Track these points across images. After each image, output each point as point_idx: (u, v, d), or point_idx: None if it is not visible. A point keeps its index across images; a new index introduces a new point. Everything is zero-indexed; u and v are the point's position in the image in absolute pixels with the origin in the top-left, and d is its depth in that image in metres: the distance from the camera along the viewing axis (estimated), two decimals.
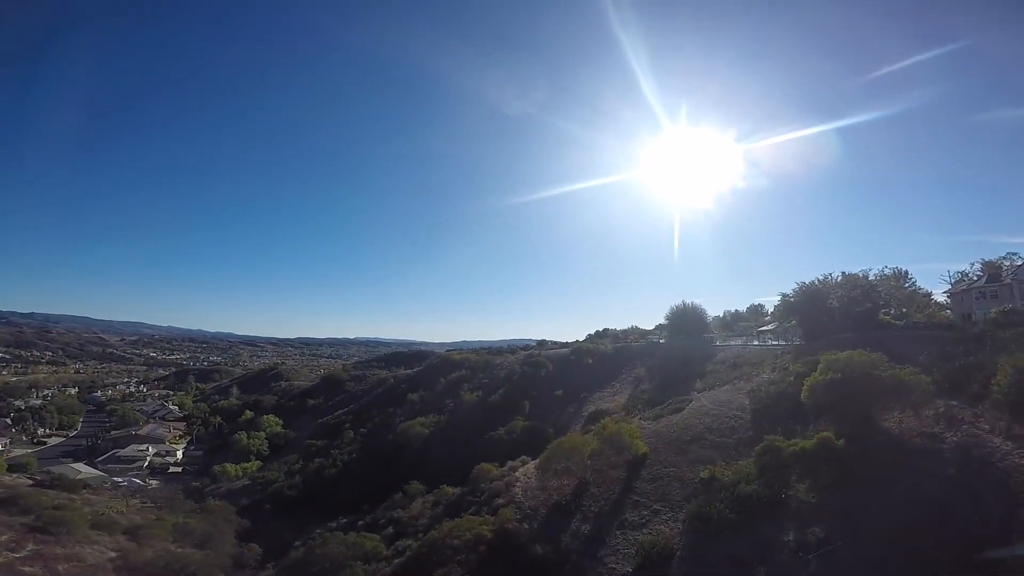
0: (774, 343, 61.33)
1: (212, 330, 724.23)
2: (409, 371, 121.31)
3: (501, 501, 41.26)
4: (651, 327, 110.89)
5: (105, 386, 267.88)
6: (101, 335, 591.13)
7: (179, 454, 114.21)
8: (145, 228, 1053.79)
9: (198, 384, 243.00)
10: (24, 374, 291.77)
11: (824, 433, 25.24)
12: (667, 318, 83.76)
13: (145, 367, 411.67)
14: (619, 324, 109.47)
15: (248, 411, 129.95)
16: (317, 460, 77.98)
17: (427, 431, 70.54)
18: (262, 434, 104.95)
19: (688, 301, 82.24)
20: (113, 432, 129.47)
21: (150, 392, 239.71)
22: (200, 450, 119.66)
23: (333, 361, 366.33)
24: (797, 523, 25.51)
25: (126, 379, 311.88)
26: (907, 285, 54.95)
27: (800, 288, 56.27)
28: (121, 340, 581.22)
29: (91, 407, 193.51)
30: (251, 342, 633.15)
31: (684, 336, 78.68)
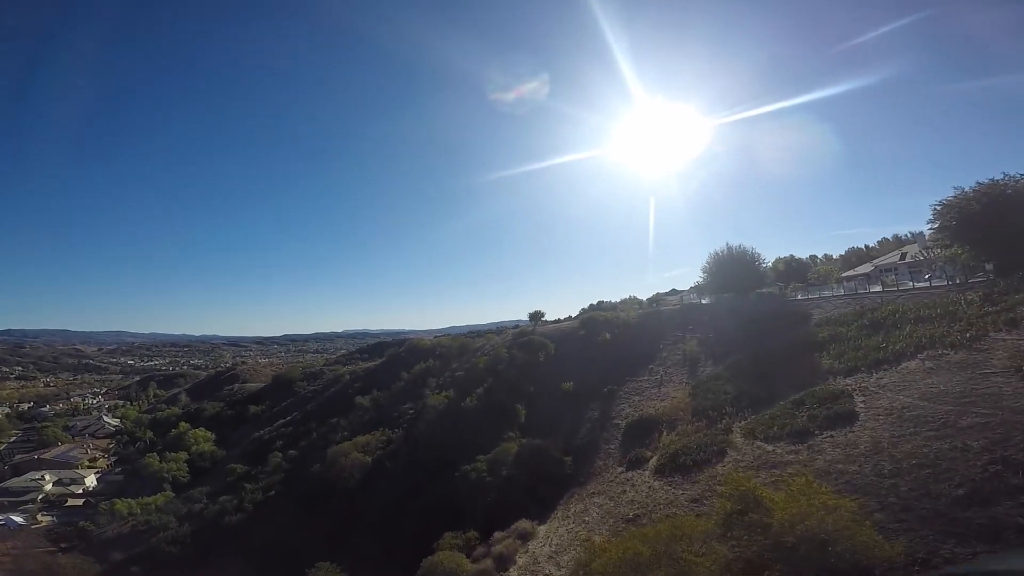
0: (920, 285, 37.77)
1: (197, 333, 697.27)
2: (369, 364, 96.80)
3: None
4: (645, 298, 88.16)
5: (60, 399, 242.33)
6: (78, 346, 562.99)
7: (89, 481, 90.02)
8: (122, 236, 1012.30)
9: (158, 391, 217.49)
10: None
11: None
12: (706, 271, 60.34)
13: (121, 375, 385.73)
14: (611, 298, 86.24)
15: (183, 423, 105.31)
16: (223, 499, 54.18)
17: (370, 460, 46.23)
18: (182, 455, 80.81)
19: (735, 244, 59.11)
20: (17, 457, 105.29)
21: (107, 403, 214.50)
22: (122, 474, 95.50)
23: (317, 356, 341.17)
24: None
25: (96, 390, 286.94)
26: None
27: (980, 192, 32.64)
28: (99, 350, 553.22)
29: (34, 424, 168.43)
30: (236, 343, 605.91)
31: (735, 292, 56.45)
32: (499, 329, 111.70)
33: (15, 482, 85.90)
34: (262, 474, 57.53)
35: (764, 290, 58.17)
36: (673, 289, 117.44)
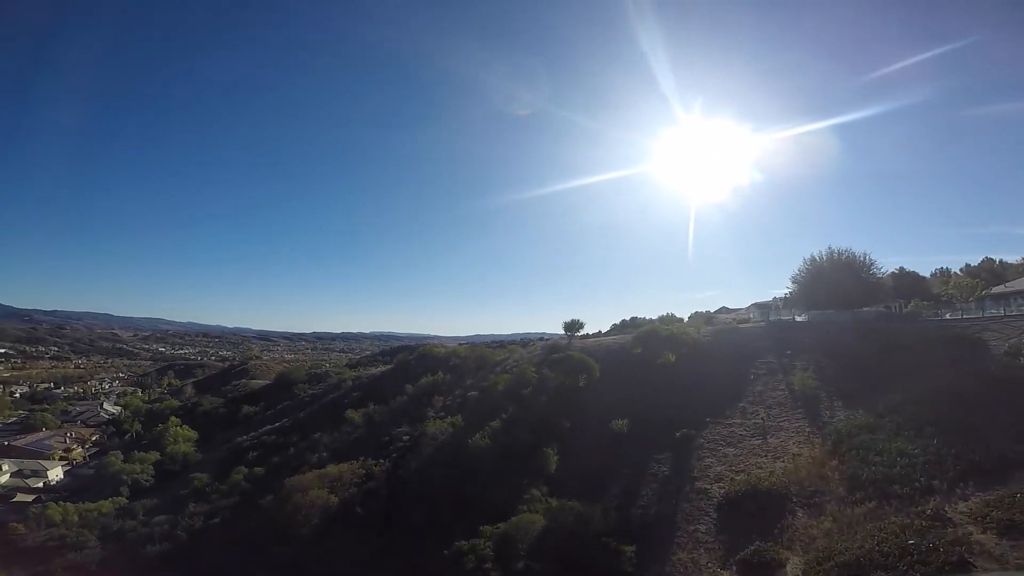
0: None
1: (231, 325, 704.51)
2: (375, 371, 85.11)
3: None
4: (685, 317, 73.73)
5: (81, 381, 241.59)
6: (115, 331, 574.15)
7: (54, 473, 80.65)
8: (167, 226, 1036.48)
9: (174, 380, 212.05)
10: (21, 369, 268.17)
11: None
12: (798, 281, 47.02)
13: (150, 362, 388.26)
14: (644, 315, 73.51)
15: (174, 418, 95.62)
16: (159, 518, 42.91)
17: (336, 501, 33.85)
18: (152, 455, 70.56)
19: (839, 249, 45.74)
20: None
21: (119, 389, 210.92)
22: (95, 469, 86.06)
23: (342, 355, 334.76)
24: None
25: (120, 374, 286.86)
26: None
27: None
28: (134, 335, 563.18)
29: (40, 407, 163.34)
30: (265, 337, 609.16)
31: (839, 308, 43.50)
32: (524, 341, 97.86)
33: None
34: (215, 493, 46.06)
35: (877, 307, 44.86)
36: (724, 307, 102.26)
